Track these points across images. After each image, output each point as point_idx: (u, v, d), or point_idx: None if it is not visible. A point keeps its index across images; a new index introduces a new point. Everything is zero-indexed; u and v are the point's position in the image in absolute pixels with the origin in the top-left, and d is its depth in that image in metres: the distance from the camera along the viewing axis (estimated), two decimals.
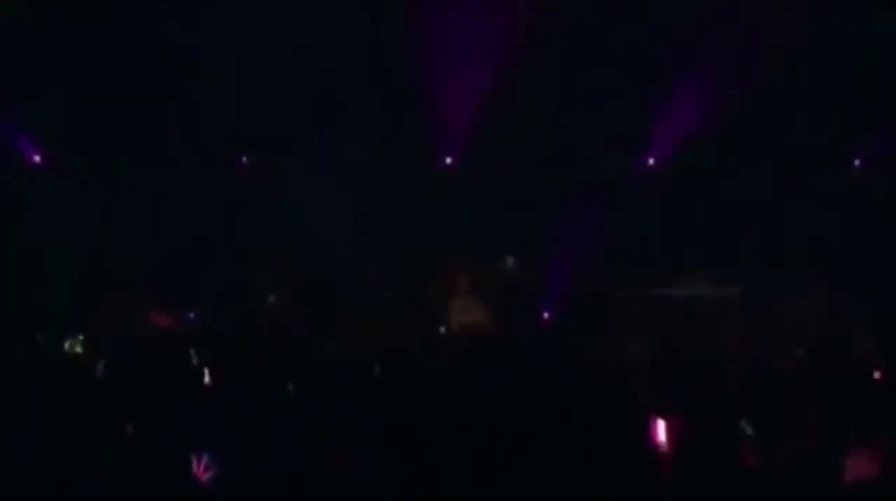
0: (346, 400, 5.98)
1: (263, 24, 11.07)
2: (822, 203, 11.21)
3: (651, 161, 11.76)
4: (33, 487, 5.32)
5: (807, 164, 11.31)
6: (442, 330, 9.37)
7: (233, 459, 5.38)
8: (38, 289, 10.48)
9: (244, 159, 11.96)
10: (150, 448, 5.52)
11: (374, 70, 11.59)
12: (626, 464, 5.31)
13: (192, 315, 10.49)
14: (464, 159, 11.91)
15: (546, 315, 10.87)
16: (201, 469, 5.31)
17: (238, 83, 11.35)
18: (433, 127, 11.55)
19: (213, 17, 11.07)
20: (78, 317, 8.79)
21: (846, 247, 10.95)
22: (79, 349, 7.75)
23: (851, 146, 11.66)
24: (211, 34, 11.07)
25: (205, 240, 11.38)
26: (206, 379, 6.62)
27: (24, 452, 5.48)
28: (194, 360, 6.92)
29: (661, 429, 5.65)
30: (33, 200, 11.48)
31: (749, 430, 5.56)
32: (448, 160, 11.83)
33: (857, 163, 11.72)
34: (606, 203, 11.24)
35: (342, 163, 11.36)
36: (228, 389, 6.43)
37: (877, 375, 6.86)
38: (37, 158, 11.72)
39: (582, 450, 5.29)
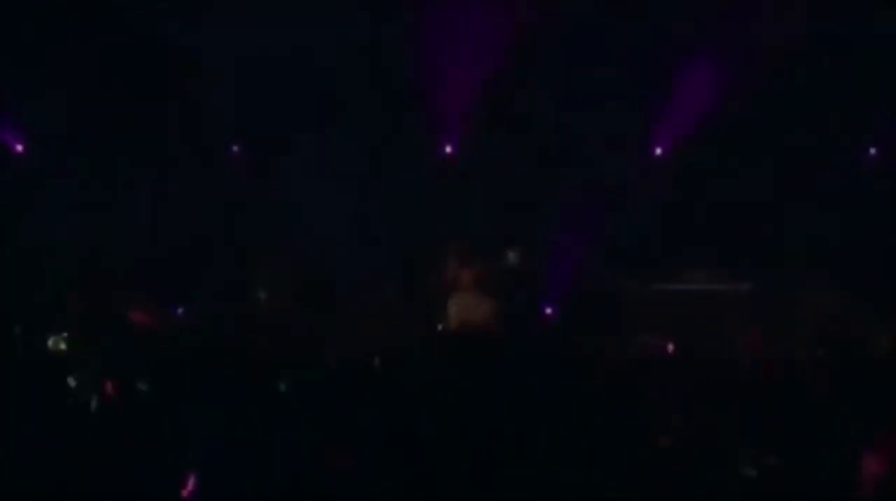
0: (346, 400, 5.95)
1: (263, 24, 11.05)
2: (834, 198, 11.18)
3: (658, 151, 11.73)
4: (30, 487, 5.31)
5: (817, 160, 11.29)
6: (440, 327, 9.33)
7: (232, 460, 5.36)
8: (36, 289, 10.39)
9: (234, 148, 11.93)
10: (147, 452, 5.53)
11: (374, 70, 11.54)
12: (628, 465, 5.32)
13: (179, 310, 10.41)
14: (464, 158, 11.87)
15: (549, 311, 10.82)
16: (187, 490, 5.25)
17: (237, 82, 11.34)
18: (433, 126, 11.51)
19: (214, 17, 11.01)
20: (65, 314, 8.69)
21: (859, 243, 10.89)
22: (62, 346, 7.60)
23: (864, 140, 11.63)
24: (211, 34, 11.02)
25: (199, 237, 11.34)
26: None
27: (21, 453, 5.49)
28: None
29: None
30: (28, 198, 11.43)
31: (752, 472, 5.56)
32: (448, 149, 11.80)
33: (872, 151, 11.67)
34: (608, 198, 11.21)
35: (341, 162, 11.30)
36: (223, 388, 6.36)
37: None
38: (19, 148, 11.62)
39: (584, 450, 5.31)
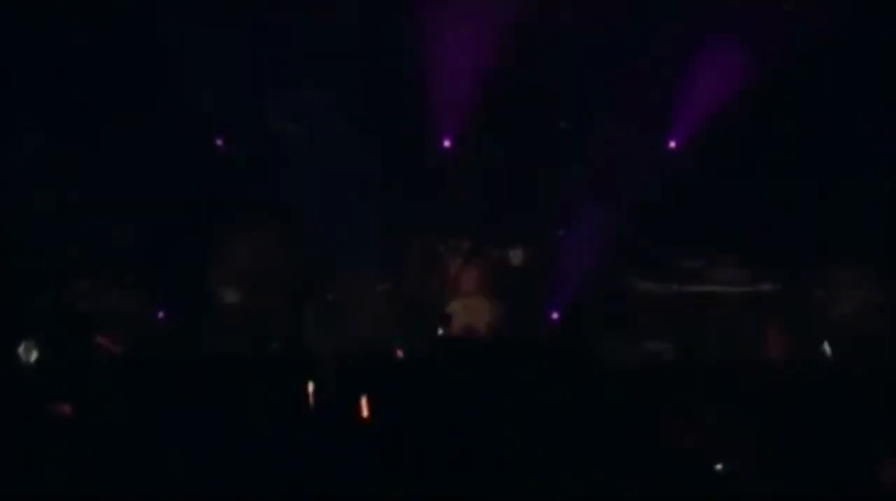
0: (341, 402, 5.85)
1: (261, 22, 10.98)
2: (856, 195, 10.85)
3: (672, 144, 11.49)
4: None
5: (840, 157, 10.97)
6: (440, 331, 9.20)
7: (230, 463, 5.34)
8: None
9: (218, 142, 11.75)
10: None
11: (373, 65, 11.33)
12: (637, 470, 5.28)
13: (161, 314, 10.19)
14: (465, 157, 11.67)
15: (555, 316, 10.62)
16: None
17: (232, 78, 11.13)
18: (432, 121, 11.35)
19: (207, 14, 10.86)
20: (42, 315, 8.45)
21: (885, 241, 10.61)
22: (34, 357, 7.27)
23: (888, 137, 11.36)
24: (204, 30, 10.84)
25: (189, 234, 11.15)
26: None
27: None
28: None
29: None
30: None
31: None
32: (447, 143, 11.66)
33: None
34: (616, 196, 11.00)
35: (339, 159, 11.05)
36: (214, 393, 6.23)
37: None
38: None
39: (592, 455, 5.29)
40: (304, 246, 10.96)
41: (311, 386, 6.22)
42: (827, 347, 5.44)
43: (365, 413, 5.70)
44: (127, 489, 5.33)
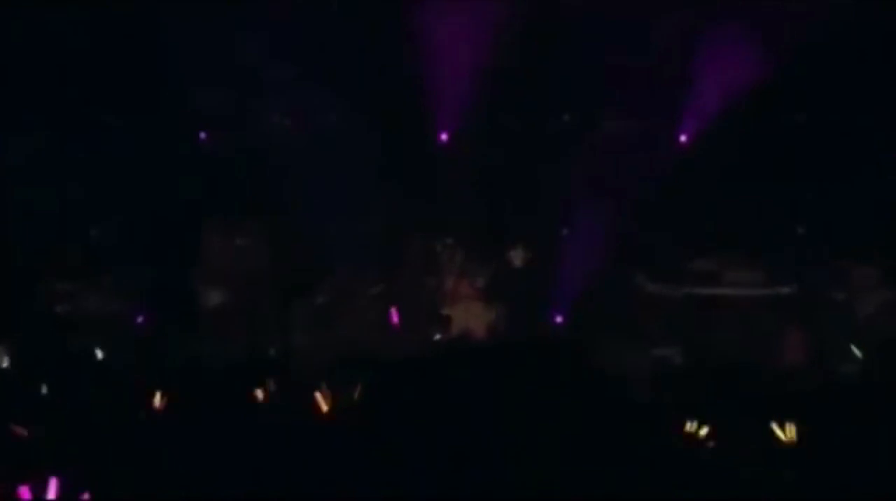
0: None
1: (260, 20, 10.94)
2: (877, 192, 10.68)
3: (683, 138, 11.29)
4: None
5: (859, 154, 10.80)
6: (438, 336, 9.10)
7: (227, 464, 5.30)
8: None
9: (202, 135, 11.64)
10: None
11: (373, 63, 11.25)
12: (640, 473, 5.10)
13: (140, 319, 10.06)
14: (465, 155, 11.52)
15: (559, 319, 10.46)
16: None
17: (229, 73, 11.13)
18: (432, 120, 11.28)
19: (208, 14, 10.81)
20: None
21: None
22: (5, 364, 7.09)
23: None
24: (202, 31, 10.75)
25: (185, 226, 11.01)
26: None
27: None
28: None
29: None
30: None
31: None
32: (444, 137, 11.50)
33: None
34: (622, 195, 10.77)
35: (338, 156, 10.95)
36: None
37: None
38: None
39: (597, 460, 5.11)
40: (297, 246, 10.85)
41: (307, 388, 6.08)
42: (855, 349, 5.31)
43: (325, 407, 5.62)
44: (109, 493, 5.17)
